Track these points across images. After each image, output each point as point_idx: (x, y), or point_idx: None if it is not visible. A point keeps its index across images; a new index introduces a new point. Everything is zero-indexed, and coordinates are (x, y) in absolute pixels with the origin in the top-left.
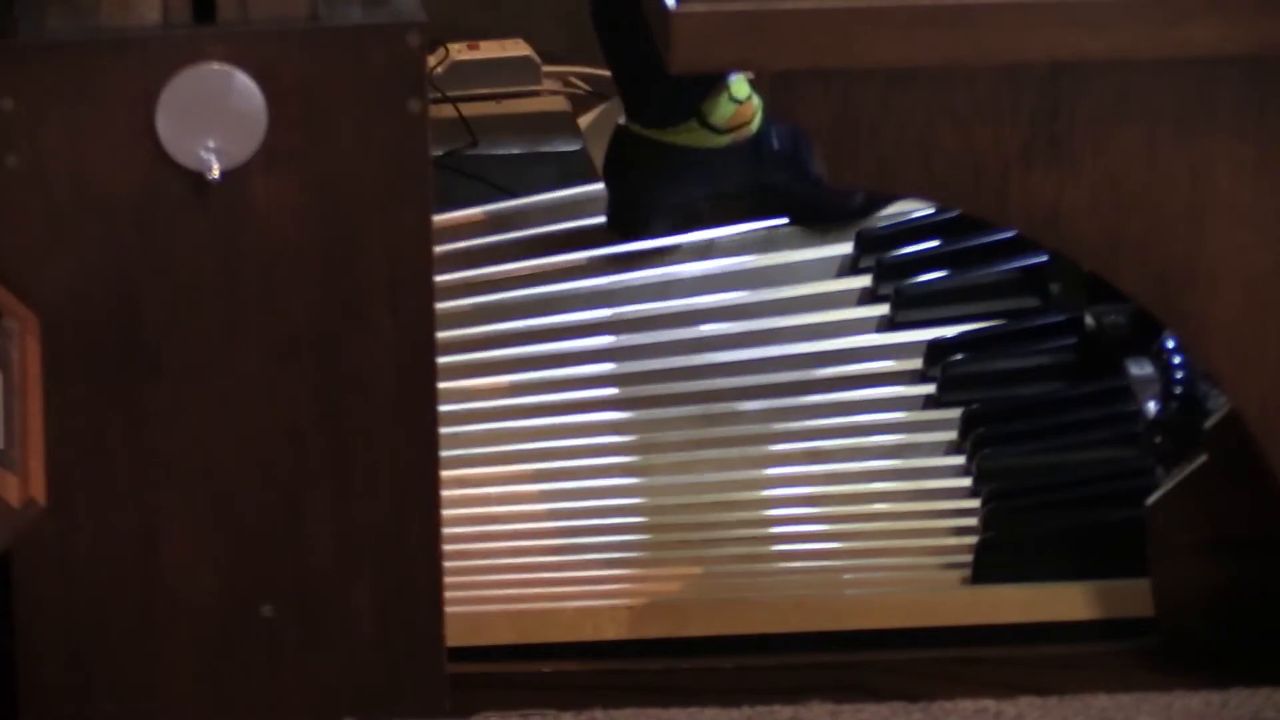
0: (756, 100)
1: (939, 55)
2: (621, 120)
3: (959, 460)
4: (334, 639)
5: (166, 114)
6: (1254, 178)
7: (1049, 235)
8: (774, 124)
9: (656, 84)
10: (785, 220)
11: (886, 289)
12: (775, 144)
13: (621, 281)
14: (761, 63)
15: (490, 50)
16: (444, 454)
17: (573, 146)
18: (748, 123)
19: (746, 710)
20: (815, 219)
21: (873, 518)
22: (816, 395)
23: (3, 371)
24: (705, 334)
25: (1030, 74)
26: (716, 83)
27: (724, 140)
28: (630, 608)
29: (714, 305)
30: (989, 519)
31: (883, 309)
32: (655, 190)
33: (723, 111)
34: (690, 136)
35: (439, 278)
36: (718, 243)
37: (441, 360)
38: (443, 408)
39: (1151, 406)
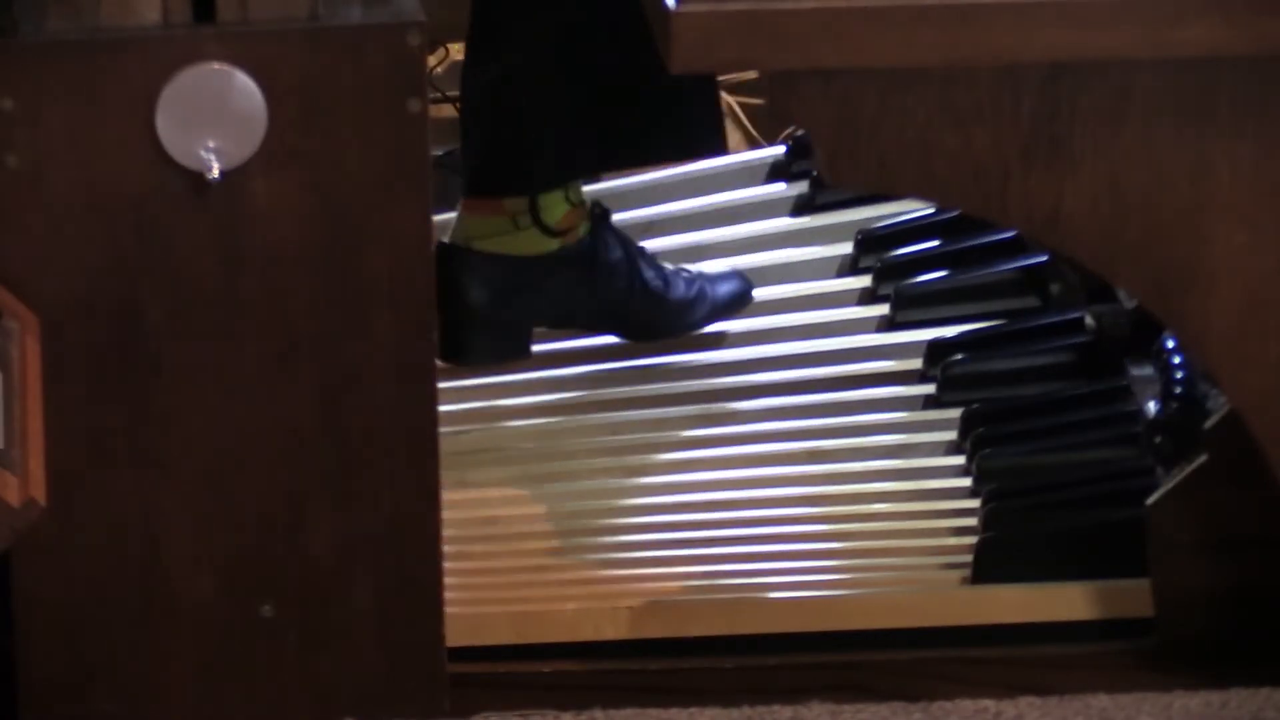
0: (586, 212)
1: (939, 55)
2: (446, 237)
3: (959, 460)
4: (334, 639)
5: (166, 114)
6: (1254, 178)
7: (1049, 235)
8: (604, 235)
9: (512, 148)
10: (616, 339)
11: (886, 289)
12: (608, 254)
13: None
14: (761, 63)
15: None
16: (444, 454)
17: None
18: (576, 228)
19: (746, 710)
20: (650, 334)
21: (873, 518)
22: (816, 395)
23: (3, 371)
24: (704, 333)
25: (1030, 74)
26: (561, 176)
27: (554, 244)
28: (630, 608)
29: None
30: (989, 519)
31: (883, 309)
32: (490, 306)
33: (556, 210)
34: (518, 241)
35: None
36: (717, 243)
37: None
38: (443, 408)
39: (1151, 406)
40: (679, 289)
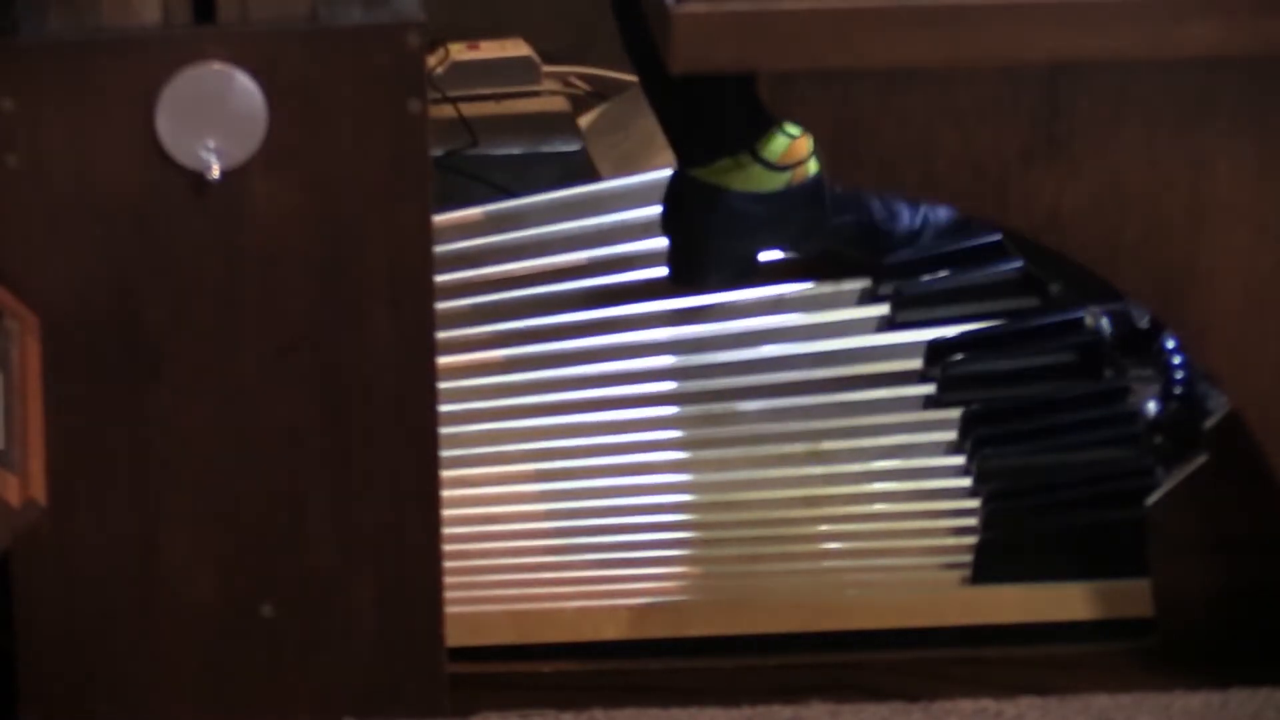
0: (809, 139)
1: (939, 55)
2: (675, 168)
3: (959, 460)
4: (334, 639)
5: (166, 114)
6: (1254, 178)
7: (1049, 235)
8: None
9: (705, 122)
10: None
11: (886, 289)
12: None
13: (620, 282)
14: (761, 63)
15: (490, 50)
16: (444, 454)
17: (573, 146)
18: (804, 161)
19: (746, 710)
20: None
21: (873, 518)
22: (816, 395)
23: (3, 371)
24: (705, 333)
25: (1030, 74)
26: (768, 122)
27: (782, 179)
28: (630, 608)
29: (713, 304)
30: (989, 519)
31: (883, 309)
32: (716, 239)
33: (776, 145)
34: (747, 177)
35: (439, 278)
36: None
37: (441, 360)
38: (443, 408)
39: (1151, 406)
40: (904, 220)
